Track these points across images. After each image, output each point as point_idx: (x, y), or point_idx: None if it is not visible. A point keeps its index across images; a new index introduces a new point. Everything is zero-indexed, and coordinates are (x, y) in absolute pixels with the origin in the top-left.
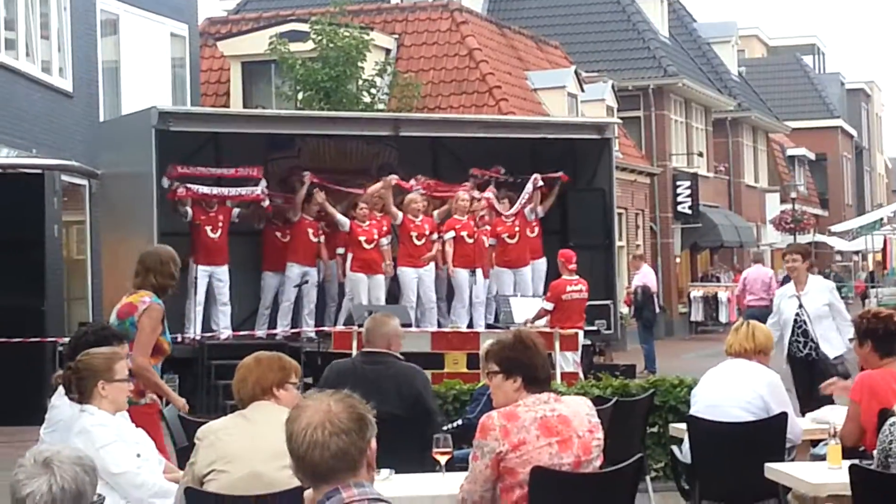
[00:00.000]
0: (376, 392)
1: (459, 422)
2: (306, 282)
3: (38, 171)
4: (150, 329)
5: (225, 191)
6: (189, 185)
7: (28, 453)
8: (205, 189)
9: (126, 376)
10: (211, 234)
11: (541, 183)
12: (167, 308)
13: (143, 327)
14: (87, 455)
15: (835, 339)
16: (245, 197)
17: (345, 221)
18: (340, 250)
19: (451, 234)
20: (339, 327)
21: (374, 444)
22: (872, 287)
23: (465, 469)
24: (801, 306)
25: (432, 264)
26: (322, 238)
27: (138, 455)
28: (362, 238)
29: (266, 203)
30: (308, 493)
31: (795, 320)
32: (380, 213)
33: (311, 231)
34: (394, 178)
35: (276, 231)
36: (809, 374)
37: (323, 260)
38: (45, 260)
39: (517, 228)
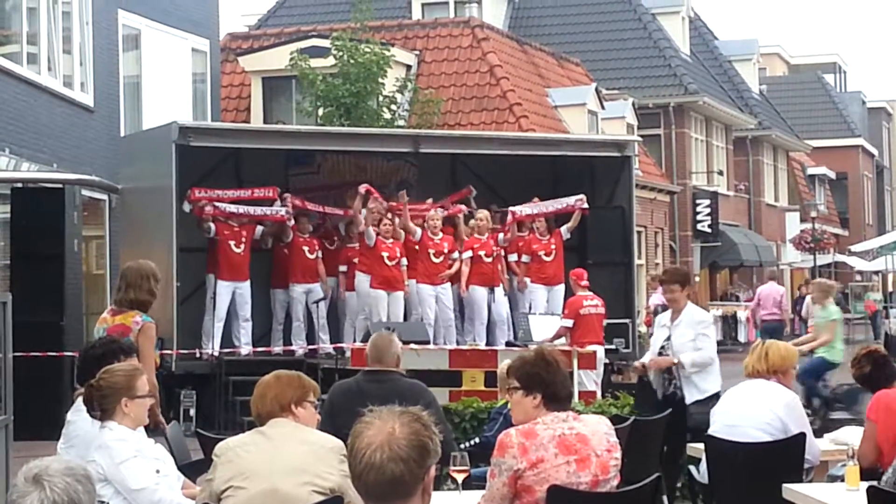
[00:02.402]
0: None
1: (477, 440)
2: (323, 298)
3: (59, 185)
4: (150, 348)
5: (251, 210)
6: (217, 204)
7: (20, 471)
8: (231, 208)
9: (147, 392)
10: (235, 249)
11: (586, 205)
12: (189, 323)
13: (143, 349)
14: (78, 465)
15: (700, 383)
16: (271, 217)
17: (372, 235)
18: (343, 268)
19: (469, 253)
20: (357, 344)
21: (433, 471)
22: (891, 307)
23: (482, 487)
24: (668, 339)
25: (450, 282)
26: (319, 254)
27: (157, 471)
28: (385, 254)
29: (292, 223)
30: None
31: (660, 354)
32: (401, 229)
33: (307, 248)
34: (364, 188)
35: (284, 249)
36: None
37: (321, 277)
38: (65, 274)
39: (553, 246)
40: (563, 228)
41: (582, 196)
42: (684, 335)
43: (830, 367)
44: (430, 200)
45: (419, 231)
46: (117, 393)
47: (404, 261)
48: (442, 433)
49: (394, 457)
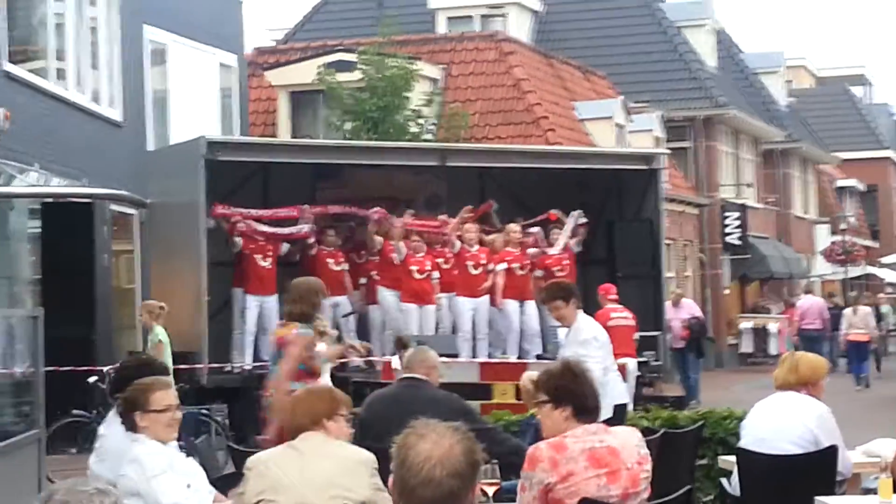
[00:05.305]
0: (410, 412)
1: None
2: (353, 312)
3: (88, 200)
4: (295, 356)
5: (278, 230)
6: (249, 222)
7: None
8: (262, 227)
9: (165, 407)
10: (262, 263)
11: (584, 219)
12: (219, 337)
13: (288, 354)
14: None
15: None
16: (295, 235)
17: (402, 250)
18: (363, 280)
19: (503, 265)
20: (388, 357)
21: (478, 489)
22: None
23: (513, 500)
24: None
25: (487, 295)
26: (345, 266)
27: (189, 486)
28: (414, 268)
29: (312, 240)
30: None
31: None
32: (441, 245)
33: (331, 261)
34: (375, 213)
35: (312, 261)
36: None
37: (348, 290)
38: (95, 289)
39: (566, 262)
40: (572, 242)
41: (578, 212)
42: (566, 350)
43: None
44: (443, 217)
45: (458, 244)
46: (133, 406)
47: (435, 274)
48: (488, 428)
49: (452, 472)
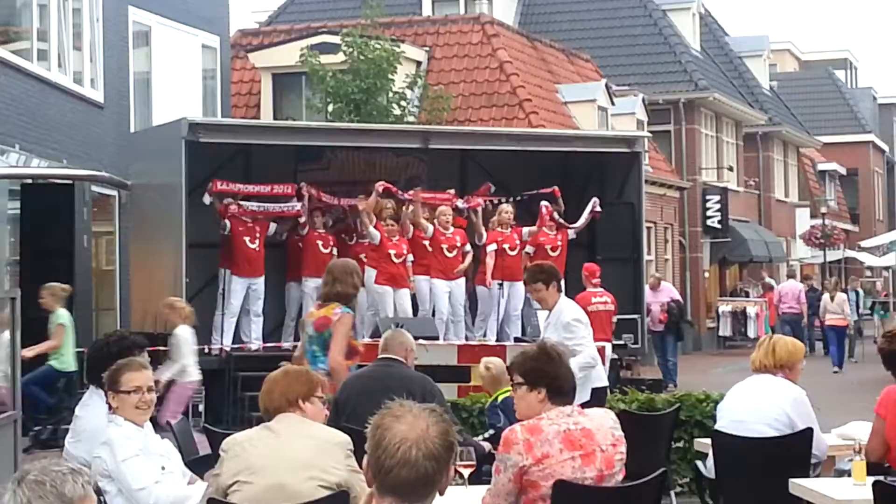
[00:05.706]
0: (385, 390)
1: (491, 432)
2: None
3: (69, 181)
4: (344, 335)
5: (269, 207)
6: (241, 203)
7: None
8: (254, 206)
9: (133, 388)
10: (250, 245)
11: (599, 208)
12: (198, 319)
13: (337, 334)
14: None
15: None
16: (286, 213)
17: (375, 234)
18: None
19: (493, 246)
20: (366, 340)
21: (451, 471)
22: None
23: (489, 482)
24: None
25: (462, 277)
26: (334, 249)
27: (163, 467)
28: (392, 251)
29: (303, 219)
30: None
31: None
32: (413, 226)
33: (320, 243)
34: (381, 186)
35: (299, 242)
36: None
37: None
38: (75, 270)
39: (560, 242)
40: (571, 231)
41: (596, 199)
42: (550, 334)
43: (59, 375)
44: (451, 191)
45: (431, 227)
46: (107, 385)
47: (410, 257)
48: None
49: (428, 454)
